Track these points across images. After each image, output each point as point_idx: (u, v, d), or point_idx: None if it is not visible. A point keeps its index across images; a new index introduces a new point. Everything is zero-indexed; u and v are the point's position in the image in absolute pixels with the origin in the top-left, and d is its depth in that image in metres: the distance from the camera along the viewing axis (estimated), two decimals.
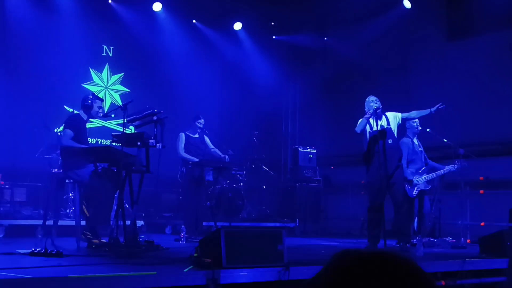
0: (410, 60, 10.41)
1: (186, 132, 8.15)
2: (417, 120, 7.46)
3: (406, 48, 10.33)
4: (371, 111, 6.41)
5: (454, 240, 7.54)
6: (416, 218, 7.43)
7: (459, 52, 9.59)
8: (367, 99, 6.63)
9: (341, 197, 10.31)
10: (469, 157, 7.56)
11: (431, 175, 7.33)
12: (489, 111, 8.88)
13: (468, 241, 7.68)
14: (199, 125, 8.16)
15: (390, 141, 6.45)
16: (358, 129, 6.46)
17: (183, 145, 8.02)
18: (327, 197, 10.45)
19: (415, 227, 7.36)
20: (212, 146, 8.29)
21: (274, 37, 11.99)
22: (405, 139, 7.41)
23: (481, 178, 8.57)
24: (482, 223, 8.17)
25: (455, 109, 9.34)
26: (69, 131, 5.92)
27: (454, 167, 7.36)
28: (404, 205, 6.53)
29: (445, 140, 7.69)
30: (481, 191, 8.56)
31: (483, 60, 9.09)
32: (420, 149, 7.50)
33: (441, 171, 7.37)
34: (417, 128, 7.45)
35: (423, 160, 7.50)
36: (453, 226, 8.26)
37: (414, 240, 6.72)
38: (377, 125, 6.43)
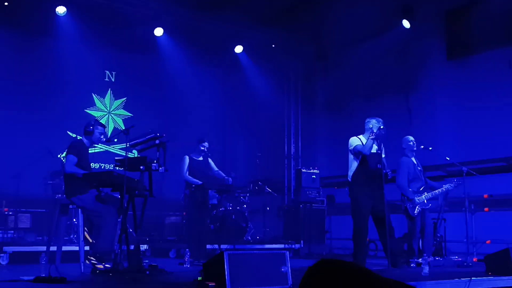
0: (410, 79, 10.45)
1: (190, 155, 8.18)
2: (413, 138, 7.48)
3: (406, 67, 10.38)
4: (376, 131, 6.41)
5: (460, 259, 7.49)
6: (420, 237, 7.39)
7: (459, 70, 9.64)
8: (371, 120, 6.65)
9: (345, 218, 10.24)
10: (472, 175, 7.55)
11: (431, 194, 7.32)
12: (491, 128, 8.88)
13: (474, 259, 7.63)
14: (203, 148, 8.19)
15: (379, 165, 6.49)
16: (367, 151, 6.42)
17: (186, 168, 8.04)
18: (331, 218, 10.40)
19: (420, 246, 7.32)
20: (217, 169, 8.32)
21: (274, 59, 12.08)
22: (404, 158, 7.41)
23: (485, 196, 8.54)
24: (488, 241, 8.11)
25: (457, 127, 9.37)
26: (72, 157, 5.95)
27: (452, 185, 7.35)
28: (391, 227, 6.51)
29: (448, 158, 7.69)
30: (486, 209, 8.52)
31: (483, 78, 9.13)
32: (419, 168, 7.49)
33: (440, 190, 7.36)
34: (414, 146, 7.46)
35: (423, 178, 7.50)
36: (458, 245, 8.22)
37: (420, 260, 6.69)
38: (371, 147, 6.47)
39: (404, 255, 7.08)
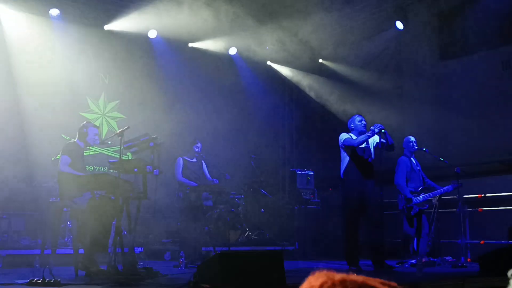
0: (404, 80, 10.49)
1: (184, 157, 8.17)
2: (413, 139, 7.52)
3: (400, 68, 10.42)
4: (376, 130, 6.41)
5: (454, 259, 7.51)
6: (415, 238, 7.40)
7: (452, 71, 9.68)
8: (354, 118, 6.71)
9: (340, 219, 10.28)
10: (466, 175, 7.58)
11: (429, 195, 7.34)
12: (484, 129, 8.92)
13: (468, 260, 7.65)
14: (197, 149, 8.18)
15: (370, 159, 6.55)
16: (357, 143, 6.45)
17: (181, 170, 8.03)
18: (326, 219, 10.40)
19: (415, 247, 7.34)
20: (207, 174, 8.35)
21: (268, 61, 12.10)
22: (403, 158, 7.46)
23: (479, 196, 8.57)
24: (482, 242, 8.15)
25: (450, 127, 9.41)
26: (66, 157, 5.94)
27: (451, 187, 7.38)
28: (381, 224, 6.52)
29: (442, 159, 7.72)
30: (480, 209, 8.55)
31: (476, 79, 9.17)
32: (418, 168, 7.52)
33: (438, 191, 7.38)
34: (413, 147, 7.49)
35: (421, 179, 7.52)
36: (452, 245, 8.25)
37: (414, 260, 6.71)
38: (363, 142, 6.51)
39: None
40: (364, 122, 6.67)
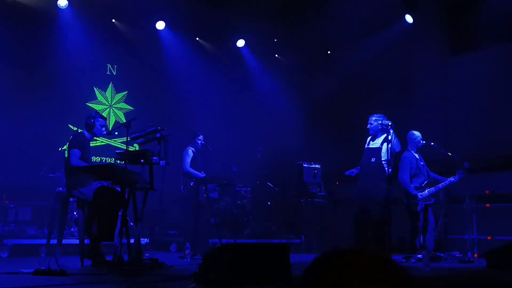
0: (412, 75, 10.41)
1: (193, 148, 8.15)
2: (419, 134, 7.45)
3: (409, 62, 10.34)
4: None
5: (461, 255, 7.47)
6: (422, 232, 7.37)
7: (462, 66, 9.60)
8: (375, 118, 6.66)
9: (346, 213, 10.25)
10: (474, 170, 7.52)
11: (434, 189, 7.28)
12: (493, 124, 8.86)
13: (475, 255, 7.62)
14: (199, 142, 8.17)
15: (373, 159, 6.49)
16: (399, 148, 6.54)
17: (189, 160, 7.99)
18: (332, 213, 10.37)
19: (421, 242, 7.30)
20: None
21: (276, 54, 12.05)
22: (407, 153, 7.38)
23: (487, 192, 8.51)
24: (489, 237, 8.10)
25: (459, 122, 9.35)
26: (77, 151, 5.94)
27: (455, 178, 7.31)
28: (378, 226, 6.48)
29: (450, 154, 7.66)
30: (487, 205, 8.50)
31: (486, 74, 9.09)
32: (421, 163, 7.46)
33: (443, 184, 7.32)
34: (420, 142, 7.42)
35: (426, 174, 7.46)
36: (459, 241, 8.21)
37: (421, 255, 6.68)
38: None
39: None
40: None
